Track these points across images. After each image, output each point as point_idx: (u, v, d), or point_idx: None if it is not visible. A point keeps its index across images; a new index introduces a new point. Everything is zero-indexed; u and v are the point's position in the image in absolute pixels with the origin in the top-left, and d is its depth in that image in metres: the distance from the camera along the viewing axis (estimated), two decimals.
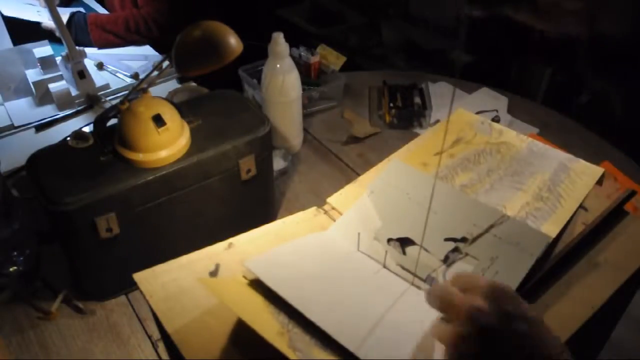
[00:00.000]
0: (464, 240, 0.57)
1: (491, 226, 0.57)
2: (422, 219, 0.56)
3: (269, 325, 0.47)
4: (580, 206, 0.63)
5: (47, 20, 1.43)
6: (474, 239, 0.57)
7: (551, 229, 0.58)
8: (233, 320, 0.51)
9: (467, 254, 0.56)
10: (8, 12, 1.41)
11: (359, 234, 0.60)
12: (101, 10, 1.65)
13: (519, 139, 0.71)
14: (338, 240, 0.61)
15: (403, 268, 0.57)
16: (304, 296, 0.50)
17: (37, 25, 1.45)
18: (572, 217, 0.61)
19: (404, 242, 0.58)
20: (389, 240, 0.58)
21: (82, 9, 1.54)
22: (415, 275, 0.56)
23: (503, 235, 0.56)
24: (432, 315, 0.48)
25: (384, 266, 0.57)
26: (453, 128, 0.74)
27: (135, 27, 1.46)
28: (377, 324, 0.48)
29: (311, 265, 0.55)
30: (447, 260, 0.56)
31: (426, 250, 0.57)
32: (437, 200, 0.59)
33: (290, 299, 0.49)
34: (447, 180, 0.66)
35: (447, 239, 0.57)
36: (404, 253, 0.57)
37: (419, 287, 0.55)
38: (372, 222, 0.61)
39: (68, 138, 0.75)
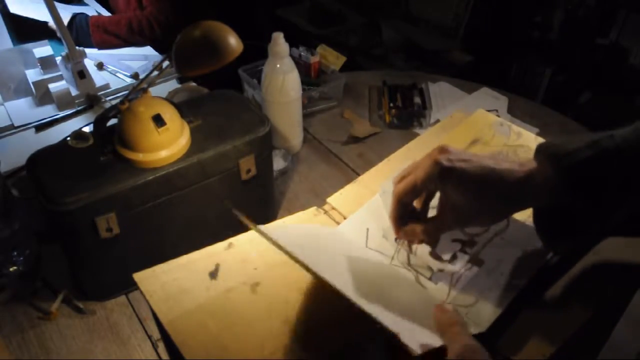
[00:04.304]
0: (471, 241, 0.57)
1: (499, 230, 0.57)
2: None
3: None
4: None
5: (52, 20, 1.43)
6: (483, 243, 0.56)
7: None
8: (233, 320, 0.51)
9: (473, 255, 0.56)
10: (16, 10, 1.41)
11: (367, 229, 0.60)
12: (102, 10, 1.65)
13: (537, 142, 0.70)
14: (347, 235, 0.61)
15: (409, 266, 0.57)
16: (318, 259, 0.50)
17: (37, 24, 1.44)
18: None
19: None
20: (397, 238, 0.58)
21: (83, 11, 1.54)
22: (420, 274, 0.56)
23: (511, 237, 0.56)
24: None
25: (390, 263, 0.57)
26: (472, 128, 0.74)
27: (139, 28, 1.46)
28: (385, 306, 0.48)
29: (322, 241, 0.55)
30: (453, 261, 0.56)
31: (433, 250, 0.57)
32: None
33: (305, 259, 0.49)
34: None
35: (454, 240, 0.58)
36: (411, 252, 0.57)
37: (423, 286, 0.55)
38: (382, 221, 0.61)
39: (68, 138, 0.75)
